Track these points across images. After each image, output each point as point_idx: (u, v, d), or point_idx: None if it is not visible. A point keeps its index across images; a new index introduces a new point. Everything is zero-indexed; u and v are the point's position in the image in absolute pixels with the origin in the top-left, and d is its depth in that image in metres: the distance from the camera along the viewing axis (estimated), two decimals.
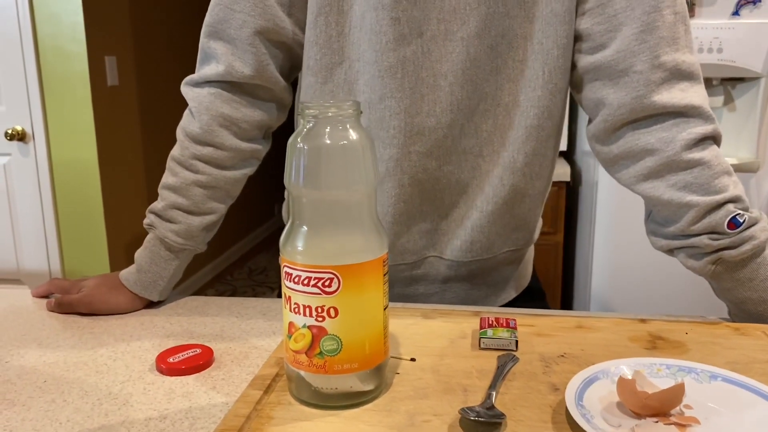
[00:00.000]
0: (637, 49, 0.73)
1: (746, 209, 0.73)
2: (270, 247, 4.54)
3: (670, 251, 0.79)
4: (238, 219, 4.28)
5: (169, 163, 0.84)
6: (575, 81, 0.80)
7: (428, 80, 0.76)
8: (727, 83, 1.61)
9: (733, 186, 0.73)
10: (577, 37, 0.77)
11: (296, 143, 0.54)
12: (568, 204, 2.13)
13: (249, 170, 0.87)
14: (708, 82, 1.61)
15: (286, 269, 0.55)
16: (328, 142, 0.53)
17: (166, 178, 0.84)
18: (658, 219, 0.79)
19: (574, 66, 0.79)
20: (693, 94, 0.74)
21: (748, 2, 1.51)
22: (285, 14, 0.80)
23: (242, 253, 4.33)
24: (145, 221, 0.85)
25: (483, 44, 0.75)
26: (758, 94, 1.56)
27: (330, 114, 0.54)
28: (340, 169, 0.53)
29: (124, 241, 2.89)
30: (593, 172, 1.83)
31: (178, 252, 0.84)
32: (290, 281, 0.54)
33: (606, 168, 0.82)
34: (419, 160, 0.79)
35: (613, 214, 1.72)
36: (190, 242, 0.84)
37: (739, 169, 1.61)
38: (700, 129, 0.73)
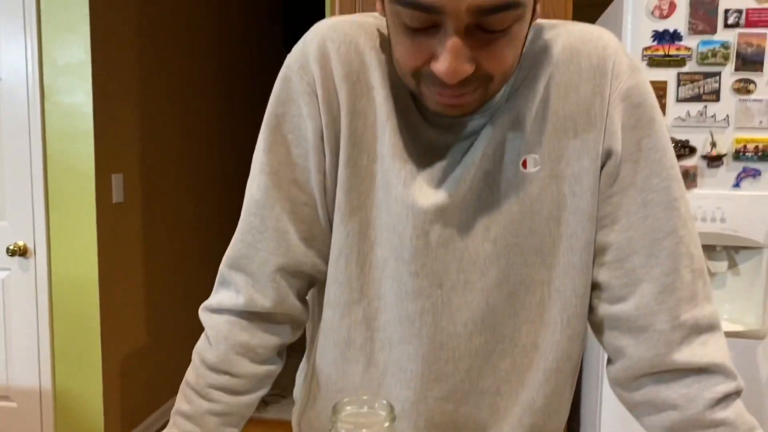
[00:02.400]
0: (657, 309, 0.73)
1: None
2: None
3: None
4: None
5: (184, 389, 0.83)
6: (595, 324, 0.80)
7: (447, 329, 0.76)
8: (731, 249, 1.63)
9: None
10: (596, 286, 0.77)
11: None
12: None
13: (263, 391, 0.85)
14: (712, 248, 1.64)
15: None
16: None
17: (180, 404, 0.82)
18: None
19: (593, 310, 0.79)
20: (714, 349, 0.73)
21: (748, 175, 1.56)
22: (306, 248, 0.80)
23: None
24: None
25: (502, 293, 0.75)
26: (761, 262, 1.59)
27: (363, 422, 0.53)
28: None
29: (118, 360, 2.84)
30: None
31: None
32: None
33: (629, 410, 0.81)
34: (435, 404, 0.77)
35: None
36: None
37: (745, 336, 1.61)
38: (722, 387, 0.72)
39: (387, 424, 0.54)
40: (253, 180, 0.80)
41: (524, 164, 0.73)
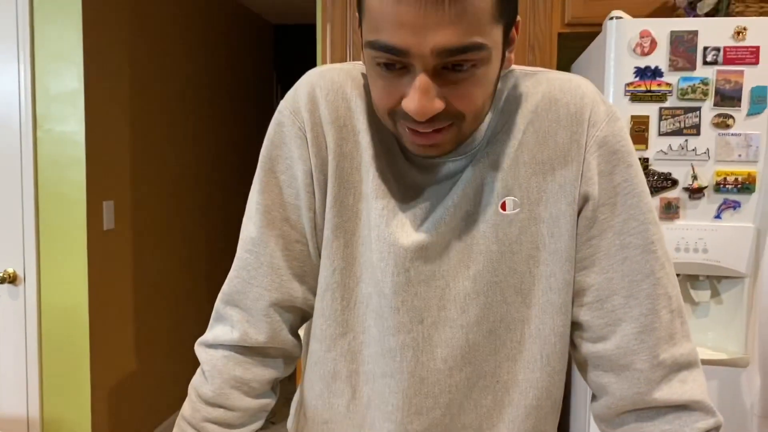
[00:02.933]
0: (637, 348, 0.76)
1: None
2: None
3: None
4: None
5: (180, 423, 0.85)
6: (579, 362, 0.84)
7: (428, 364, 0.78)
8: (714, 279, 1.68)
9: None
10: (579, 326, 0.81)
11: None
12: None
13: (257, 425, 0.87)
14: (695, 278, 1.68)
15: None
16: None
17: None
18: None
19: (576, 348, 0.82)
20: (693, 386, 0.77)
21: (729, 206, 1.61)
22: (299, 283, 0.84)
23: None
24: None
25: (482, 330, 0.78)
26: (743, 291, 1.63)
27: None
28: None
29: (107, 389, 2.83)
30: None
31: None
32: None
33: None
34: None
35: None
36: None
37: (728, 364, 1.64)
38: (702, 424, 0.75)
39: None
40: (249, 219, 0.84)
41: (503, 206, 0.77)
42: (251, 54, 4.72)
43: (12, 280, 2.64)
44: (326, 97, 0.79)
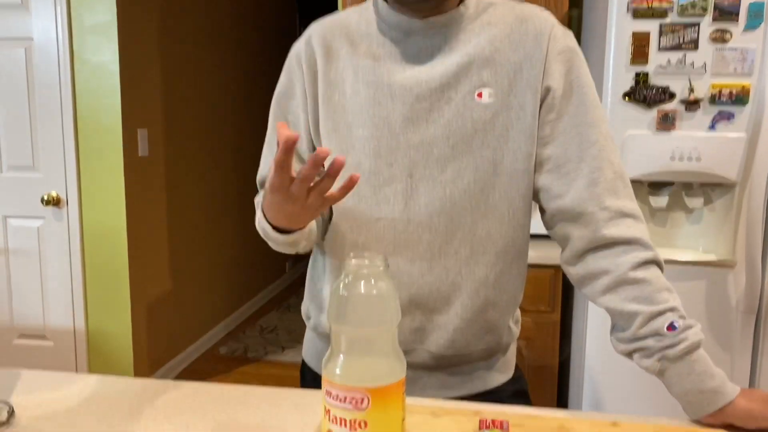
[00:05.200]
0: (587, 197, 0.95)
1: (683, 317, 0.91)
2: (280, 305, 4.68)
3: (629, 354, 0.96)
4: (249, 277, 4.44)
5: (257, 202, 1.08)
6: (547, 222, 1.03)
7: (414, 208, 0.98)
8: (707, 186, 1.78)
9: (673, 299, 0.92)
10: (542, 190, 1.00)
11: (339, 291, 0.71)
12: (565, 284, 2.29)
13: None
14: (689, 186, 1.78)
15: (326, 388, 0.71)
16: (363, 291, 0.70)
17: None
18: (617, 327, 0.98)
19: (543, 209, 1.02)
20: (636, 230, 0.95)
21: (723, 118, 1.70)
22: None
23: (253, 311, 4.47)
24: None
25: (458, 188, 0.97)
26: (733, 198, 1.74)
27: (365, 271, 0.71)
28: (372, 313, 0.70)
29: (146, 303, 3.04)
30: None
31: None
32: (330, 398, 0.70)
33: (576, 286, 1.02)
34: (405, 269, 0.99)
35: None
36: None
37: (717, 265, 1.76)
38: (642, 254, 0.94)
39: (382, 269, 0.71)
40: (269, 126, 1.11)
41: (479, 95, 0.97)
42: None
43: (56, 203, 2.84)
44: (318, 36, 1.04)
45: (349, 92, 1.00)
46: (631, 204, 0.97)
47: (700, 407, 0.90)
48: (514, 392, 1.12)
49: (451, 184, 0.97)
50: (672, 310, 0.91)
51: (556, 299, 2.17)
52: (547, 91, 0.97)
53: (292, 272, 5.40)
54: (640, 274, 0.93)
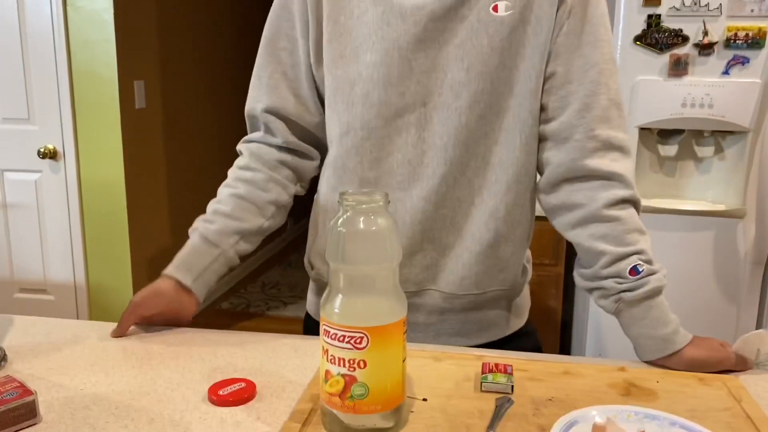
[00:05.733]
0: (577, 123, 0.91)
1: (649, 261, 0.89)
2: (282, 261, 4.67)
3: (589, 290, 0.95)
4: None
5: (219, 189, 1.05)
6: None
7: (429, 139, 0.93)
8: (718, 134, 1.73)
9: (643, 242, 0.90)
10: (540, 108, 0.95)
11: (336, 228, 0.67)
12: None
13: (278, 197, 1.04)
14: (700, 134, 1.73)
15: (324, 327, 0.68)
16: (362, 228, 0.66)
17: (215, 198, 1.04)
18: (581, 262, 0.96)
19: None
20: (620, 165, 0.92)
21: (737, 62, 1.64)
22: (294, 99, 1.02)
23: (255, 267, 4.46)
24: (190, 229, 1.03)
25: (473, 114, 0.92)
26: (746, 146, 1.69)
27: (364, 206, 0.67)
28: (371, 250, 0.67)
29: (146, 256, 3.03)
30: None
31: (213, 247, 1.00)
32: (328, 337, 0.67)
33: (547, 215, 0.99)
34: (419, 203, 0.95)
35: None
36: (223, 240, 1.00)
37: (726, 215, 1.73)
38: (620, 192, 0.91)
39: (382, 203, 0.67)
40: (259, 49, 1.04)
41: (495, 9, 0.90)
42: None
43: (52, 155, 2.79)
44: None
45: (356, 13, 0.93)
46: (621, 135, 0.93)
47: (649, 351, 0.90)
48: (528, 340, 1.09)
49: (467, 110, 0.92)
50: (639, 253, 0.89)
51: (559, 252, 2.14)
52: (562, 2, 0.91)
53: (294, 229, 5.39)
54: (614, 212, 0.90)
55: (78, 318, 2.96)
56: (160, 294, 0.98)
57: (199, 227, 1.02)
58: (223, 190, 1.04)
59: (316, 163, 1.07)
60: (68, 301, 2.95)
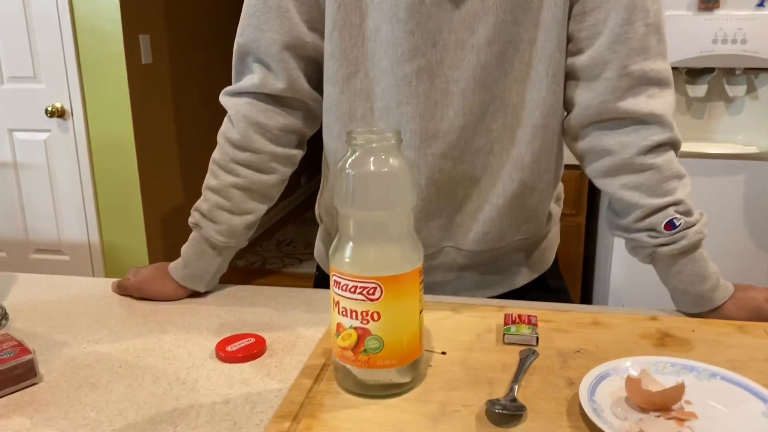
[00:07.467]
0: (608, 58, 0.80)
1: (687, 212, 0.82)
2: (297, 218, 4.64)
3: (621, 238, 0.89)
4: None
5: (211, 166, 0.92)
6: None
7: (441, 87, 0.82)
8: (751, 73, 1.63)
9: (681, 189, 0.82)
10: (566, 39, 0.84)
11: (344, 169, 0.61)
12: (591, 186, 2.18)
13: (284, 174, 0.94)
14: (731, 72, 1.64)
15: (335, 278, 0.63)
16: (372, 169, 0.60)
17: (209, 180, 0.92)
18: (614, 209, 0.88)
19: None
20: (657, 102, 0.81)
21: None
22: (309, 30, 0.86)
23: (270, 224, 4.43)
24: (191, 220, 0.93)
25: (492, 51, 0.81)
26: None
27: (374, 145, 0.61)
28: (383, 193, 0.61)
29: (159, 214, 3.00)
30: None
31: (221, 249, 0.92)
32: (339, 288, 0.62)
33: (577, 159, 0.90)
34: (435, 161, 0.85)
35: None
36: (232, 240, 0.92)
37: (759, 157, 1.64)
38: (657, 137, 0.81)
39: (394, 142, 0.61)
40: None
41: None
42: None
43: (60, 114, 2.74)
44: None
45: None
46: (660, 65, 0.81)
47: (685, 305, 0.85)
48: (555, 286, 1.03)
49: (485, 48, 0.80)
50: (675, 204, 0.81)
51: (581, 202, 2.07)
52: None
53: (308, 186, 5.34)
54: (649, 159, 0.81)
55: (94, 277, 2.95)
56: (170, 296, 0.92)
57: (203, 227, 0.91)
58: (220, 174, 0.91)
59: (321, 120, 0.94)
60: (84, 261, 2.94)
